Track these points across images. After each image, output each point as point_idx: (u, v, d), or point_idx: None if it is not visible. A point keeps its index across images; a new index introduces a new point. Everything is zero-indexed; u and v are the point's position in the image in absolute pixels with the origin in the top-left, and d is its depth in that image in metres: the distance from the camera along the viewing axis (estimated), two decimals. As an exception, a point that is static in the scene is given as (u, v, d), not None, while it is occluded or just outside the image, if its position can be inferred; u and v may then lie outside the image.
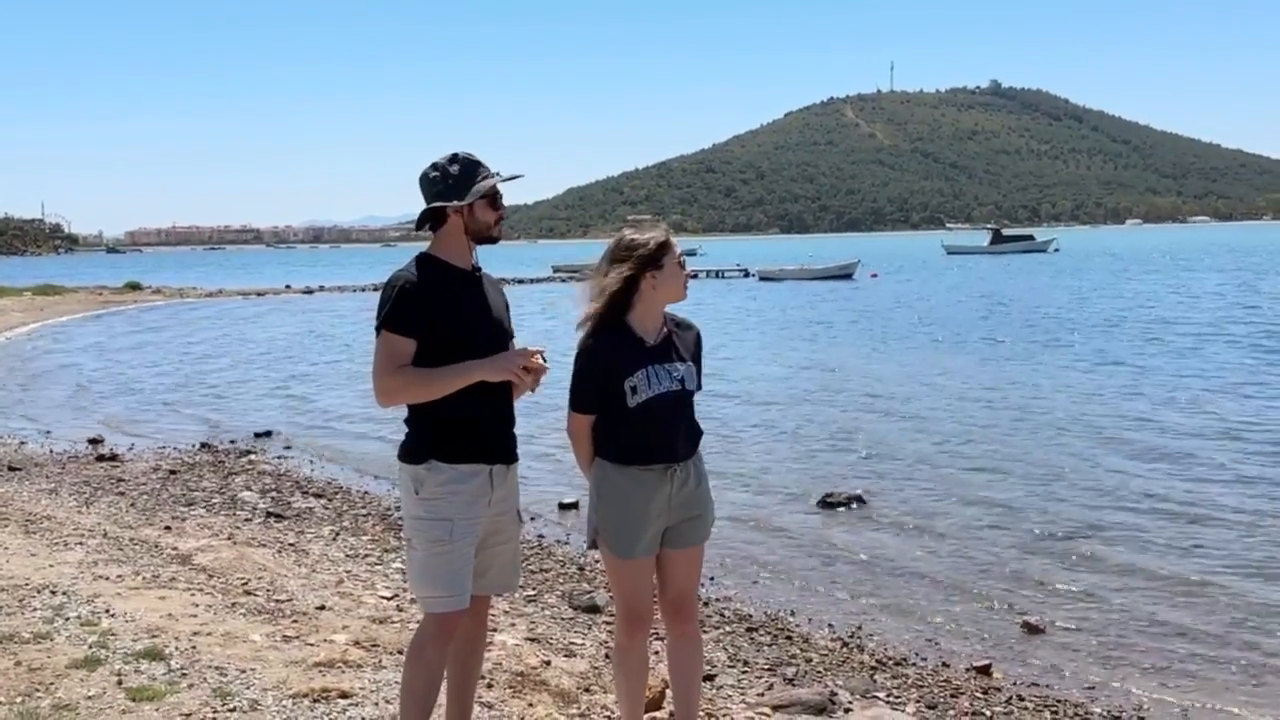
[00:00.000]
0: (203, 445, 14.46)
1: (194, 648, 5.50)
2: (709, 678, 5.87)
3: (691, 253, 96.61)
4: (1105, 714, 6.06)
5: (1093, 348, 24.43)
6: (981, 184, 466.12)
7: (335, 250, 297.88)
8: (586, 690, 5.46)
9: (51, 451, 13.87)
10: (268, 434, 15.54)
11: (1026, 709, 6.04)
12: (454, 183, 3.77)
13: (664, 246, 3.94)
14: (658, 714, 4.93)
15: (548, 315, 32.89)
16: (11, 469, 12.23)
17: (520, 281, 62.41)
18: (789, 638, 7.14)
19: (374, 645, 5.76)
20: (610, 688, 5.25)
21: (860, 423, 15.65)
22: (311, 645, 5.71)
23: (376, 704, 4.84)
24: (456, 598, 3.72)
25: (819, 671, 6.44)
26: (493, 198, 3.81)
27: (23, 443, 14.64)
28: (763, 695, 5.80)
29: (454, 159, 3.79)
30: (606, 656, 6.17)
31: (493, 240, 3.88)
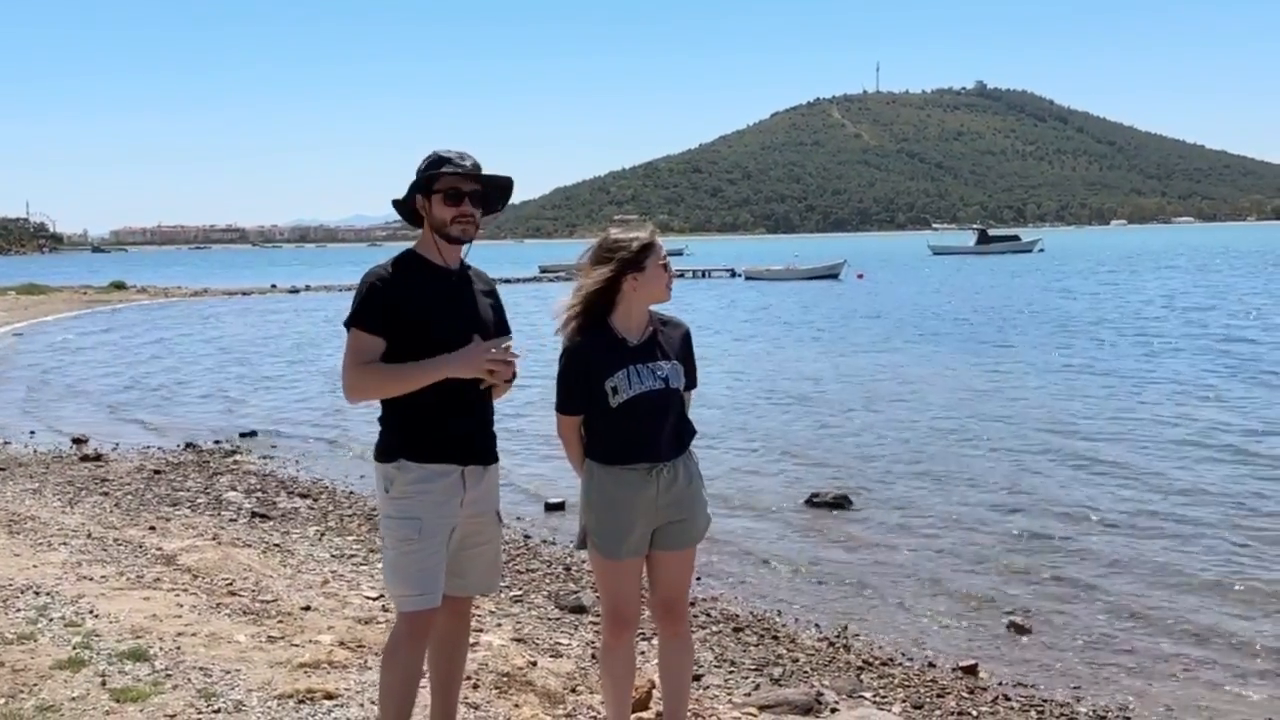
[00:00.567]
0: (187, 445, 14.40)
1: (178, 648, 5.48)
2: (696, 678, 5.86)
3: (678, 252, 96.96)
4: (1091, 713, 6.07)
5: (1082, 349, 24.50)
6: (967, 184, 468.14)
7: (321, 250, 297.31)
8: (573, 690, 5.45)
9: (35, 451, 13.80)
10: (253, 434, 15.48)
11: (1013, 709, 6.05)
12: (418, 178, 3.78)
13: (647, 248, 3.92)
14: (644, 714, 4.93)
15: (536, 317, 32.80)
16: (-5, 469, 12.15)
17: (507, 281, 62.33)
18: (775, 638, 7.14)
19: (359, 646, 5.74)
20: (597, 688, 5.24)
21: (846, 423, 15.67)
22: (297, 646, 5.68)
23: (362, 705, 4.82)
24: (426, 596, 3.70)
25: (805, 671, 6.45)
26: (447, 193, 3.74)
27: (6, 442, 14.56)
28: (749, 695, 5.80)
29: (429, 155, 3.79)
30: (593, 657, 6.17)
31: (451, 239, 3.78)
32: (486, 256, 3.97)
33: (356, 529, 9.74)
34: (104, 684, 4.90)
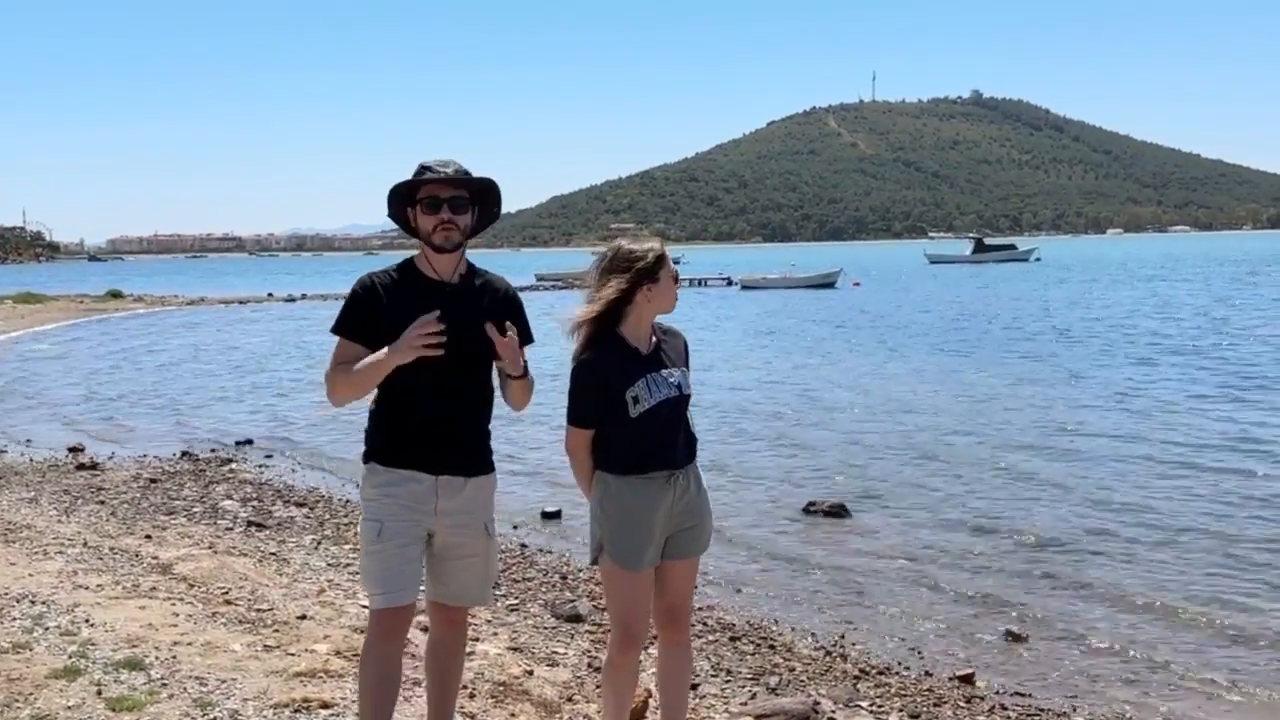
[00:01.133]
0: (184, 454, 14.38)
1: (174, 657, 5.47)
2: (692, 687, 5.86)
3: (675, 261, 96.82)
4: (1087, 722, 6.07)
5: (1077, 359, 24.54)
6: (963, 193, 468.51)
7: (318, 258, 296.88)
8: (569, 700, 5.44)
9: (31, 460, 13.77)
10: (249, 442, 15.46)
11: (1010, 718, 6.04)
12: (397, 189, 3.81)
13: (661, 260, 3.97)
14: (641, 724, 4.92)
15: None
16: (-10, 478, 12.13)
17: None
18: (772, 646, 7.13)
19: (355, 655, 5.70)
20: (593, 697, 5.24)
21: (844, 431, 15.67)
22: (293, 655, 5.67)
23: (358, 714, 4.81)
24: (389, 595, 3.75)
25: (802, 681, 6.44)
26: (425, 202, 3.75)
27: (2, 451, 14.53)
28: (746, 704, 5.80)
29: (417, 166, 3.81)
30: (589, 666, 6.16)
31: (435, 248, 3.78)
32: (483, 265, 3.95)
33: (352, 538, 9.71)
34: (99, 693, 4.89)
